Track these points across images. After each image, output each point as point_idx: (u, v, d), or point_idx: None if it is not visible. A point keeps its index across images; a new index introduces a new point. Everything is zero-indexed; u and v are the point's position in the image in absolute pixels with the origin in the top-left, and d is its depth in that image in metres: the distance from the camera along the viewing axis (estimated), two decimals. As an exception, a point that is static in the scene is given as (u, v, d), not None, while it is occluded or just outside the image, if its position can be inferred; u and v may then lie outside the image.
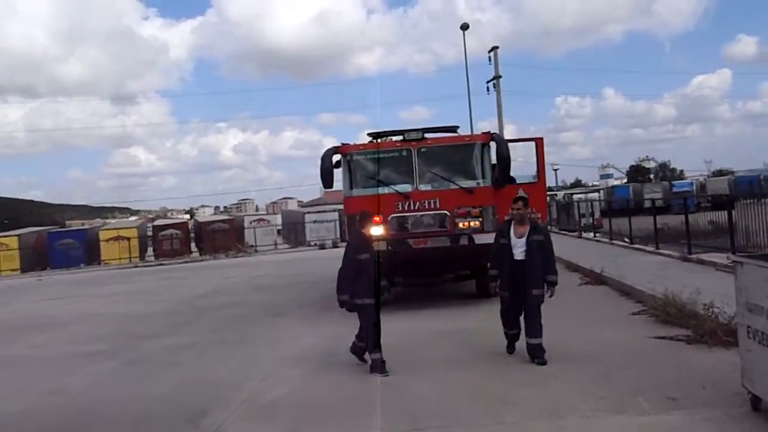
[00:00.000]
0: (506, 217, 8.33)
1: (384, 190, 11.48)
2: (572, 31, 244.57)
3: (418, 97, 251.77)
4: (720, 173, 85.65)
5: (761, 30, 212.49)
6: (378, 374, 7.40)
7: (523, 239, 7.54)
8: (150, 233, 39.73)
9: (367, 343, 7.78)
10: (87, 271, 30.89)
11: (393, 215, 11.34)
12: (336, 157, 11.77)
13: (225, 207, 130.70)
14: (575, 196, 47.43)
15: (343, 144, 11.91)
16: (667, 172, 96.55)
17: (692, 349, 7.48)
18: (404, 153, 11.56)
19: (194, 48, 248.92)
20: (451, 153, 11.61)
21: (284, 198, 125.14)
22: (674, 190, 59.07)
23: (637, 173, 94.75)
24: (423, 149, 11.52)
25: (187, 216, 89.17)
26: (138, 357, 9.74)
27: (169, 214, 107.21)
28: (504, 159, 11.32)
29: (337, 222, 39.52)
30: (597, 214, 33.67)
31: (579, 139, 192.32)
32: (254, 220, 41.85)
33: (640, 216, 22.42)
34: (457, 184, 11.32)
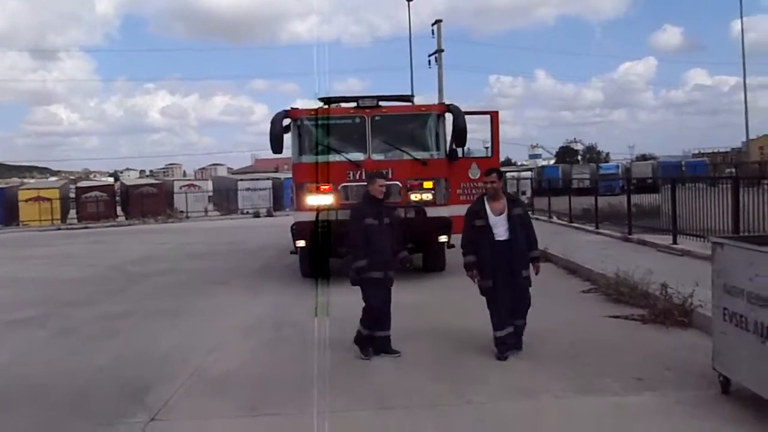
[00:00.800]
0: (478, 196, 7.03)
1: (335, 158, 11.08)
2: (507, 11, 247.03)
3: (352, 67, 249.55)
4: (643, 158, 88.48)
5: (686, 20, 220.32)
6: (391, 354, 6.85)
7: (503, 216, 6.57)
8: (73, 195, 37.93)
9: (371, 323, 6.90)
10: (4, 233, 29.23)
11: (343, 184, 10.96)
12: (286, 122, 11.25)
13: (151, 171, 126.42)
14: (508, 174, 47.96)
15: (293, 108, 11.39)
16: (594, 155, 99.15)
17: (649, 329, 7.48)
18: (357, 120, 11.16)
19: (122, 3, 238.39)
20: (406, 123, 11.30)
21: (214, 164, 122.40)
22: (601, 172, 60.63)
23: (566, 154, 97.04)
24: (377, 117, 11.14)
25: (111, 179, 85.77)
26: (69, 326, 9.05)
27: (92, 176, 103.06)
28: (461, 131, 11.08)
29: (271, 190, 38.82)
30: (528, 193, 34.22)
31: (509, 119, 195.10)
32: (184, 185, 40.60)
33: (569, 196, 22.97)
34: (410, 155, 11.03)
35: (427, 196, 11.01)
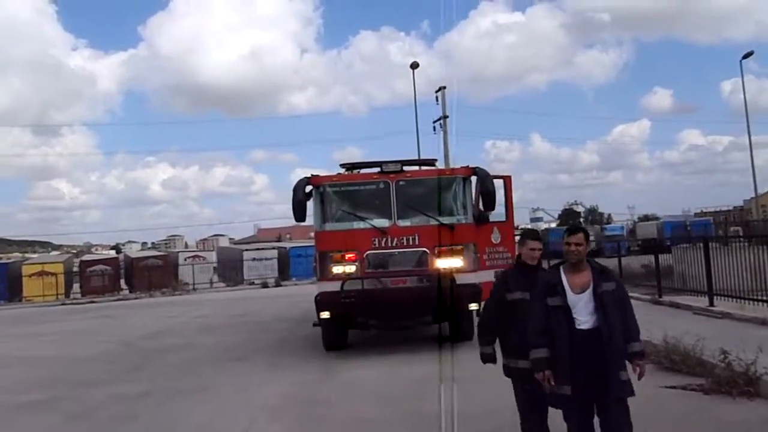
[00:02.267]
0: (554, 263, 4.93)
1: (359, 225, 10.72)
2: (500, 79, 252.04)
3: (351, 136, 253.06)
4: (646, 218, 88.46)
5: (675, 83, 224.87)
6: None
7: (588, 293, 4.57)
8: (76, 269, 37.43)
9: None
10: (9, 308, 28.58)
11: (369, 251, 10.56)
12: (308, 189, 10.93)
13: (153, 243, 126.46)
14: (517, 239, 47.71)
15: (314, 175, 11.09)
16: (596, 216, 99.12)
17: (713, 400, 6.95)
18: (381, 185, 10.84)
19: (124, 80, 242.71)
20: (432, 187, 10.96)
21: (215, 235, 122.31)
22: (606, 233, 60.44)
23: (568, 217, 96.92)
24: (401, 182, 10.84)
25: (113, 252, 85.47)
26: (84, 409, 8.44)
27: (94, 249, 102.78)
28: (489, 194, 10.74)
29: (277, 260, 38.36)
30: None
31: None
32: (189, 257, 40.10)
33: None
34: (437, 220, 10.66)
35: (457, 263, 10.58)
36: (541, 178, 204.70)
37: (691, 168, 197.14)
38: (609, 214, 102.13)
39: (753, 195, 48.46)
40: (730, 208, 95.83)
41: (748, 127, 43.48)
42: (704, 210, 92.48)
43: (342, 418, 7.30)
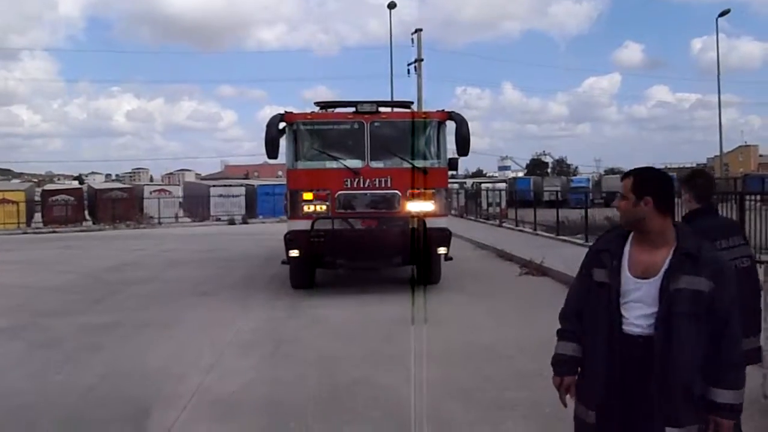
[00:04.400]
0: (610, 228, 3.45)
1: (332, 165, 10.63)
2: (473, 24, 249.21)
3: (320, 75, 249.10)
4: (612, 171, 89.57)
5: (646, 38, 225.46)
6: None
7: (654, 282, 2.80)
8: (38, 198, 36.68)
9: None
10: (-34, 236, 27.99)
11: (341, 192, 10.50)
12: (281, 126, 10.76)
13: (117, 175, 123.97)
14: (483, 186, 47.98)
15: (288, 111, 10.90)
16: (564, 167, 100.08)
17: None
18: (356, 126, 10.72)
19: (87, 5, 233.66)
20: (406, 129, 10.87)
21: (181, 170, 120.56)
22: (572, 185, 61.13)
23: (536, 167, 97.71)
24: (376, 123, 10.73)
25: (76, 182, 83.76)
26: (47, 338, 8.38)
27: (56, 179, 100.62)
28: (464, 139, 10.70)
29: (244, 197, 38.09)
30: (503, 204, 34.11)
31: (478, 130, 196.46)
32: (155, 190, 39.54)
33: (541, 209, 23.03)
34: (410, 163, 10.61)
35: (428, 206, 10.60)
36: (511, 127, 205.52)
37: (658, 124, 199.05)
38: (576, 166, 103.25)
39: (717, 153, 49.34)
40: (694, 165, 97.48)
41: (719, 85, 43.93)
42: (669, 166, 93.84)
43: (309, 355, 7.37)
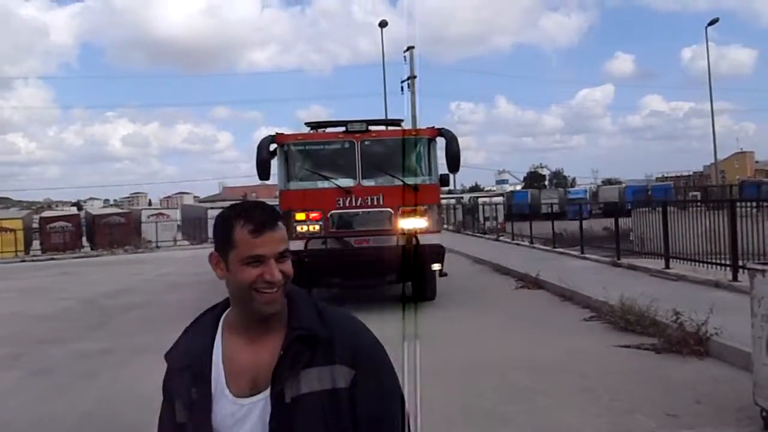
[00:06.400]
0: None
1: (324, 184, 10.69)
2: (464, 40, 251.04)
3: (314, 95, 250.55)
4: (609, 182, 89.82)
5: (636, 49, 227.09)
6: None
7: (264, 397, 1.62)
8: (36, 225, 36.71)
9: None
10: (-36, 265, 27.99)
11: (333, 211, 10.56)
12: (272, 147, 10.84)
13: (116, 200, 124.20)
14: (480, 200, 48.10)
15: (279, 133, 10.98)
16: (561, 180, 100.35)
17: (665, 359, 7.15)
18: (346, 145, 10.80)
19: (79, 33, 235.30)
20: (397, 147, 10.94)
21: (179, 193, 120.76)
22: (569, 197, 61.32)
23: (533, 180, 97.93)
24: (367, 142, 10.82)
25: (75, 209, 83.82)
26: (46, 366, 8.39)
27: (54, 206, 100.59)
28: (454, 155, 10.77)
29: (242, 219, 38.11)
30: (501, 218, 34.18)
31: (473, 144, 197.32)
32: (153, 215, 39.65)
33: (539, 221, 23.13)
34: (402, 180, 10.67)
35: (421, 223, 10.65)
36: (507, 140, 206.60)
37: (653, 133, 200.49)
38: (574, 178, 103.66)
39: (713, 161, 49.45)
40: (691, 173, 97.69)
41: (711, 93, 44.29)
42: (665, 175, 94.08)
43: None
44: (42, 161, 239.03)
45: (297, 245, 10.46)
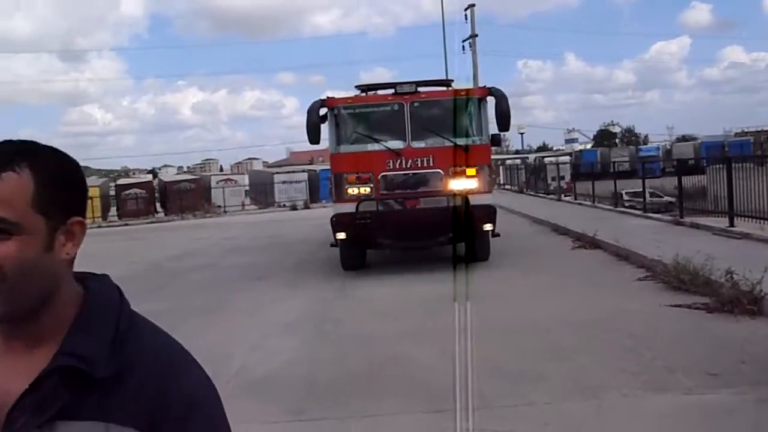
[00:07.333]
0: None
1: (374, 147, 10.76)
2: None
3: (377, 57, 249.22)
4: (684, 139, 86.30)
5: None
6: None
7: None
8: (112, 192, 38.31)
9: None
10: (46, 232, 29.56)
11: (383, 173, 10.63)
12: (322, 111, 10.96)
13: (188, 167, 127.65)
14: (546, 160, 47.18)
15: (329, 97, 11.08)
16: (632, 137, 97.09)
17: (716, 319, 6.99)
18: (396, 107, 10.80)
19: (147, 5, 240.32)
20: (447, 108, 10.87)
21: (249, 158, 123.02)
22: (641, 154, 59.36)
23: (604, 138, 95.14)
24: (416, 103, 10.78)
25: (150, 176, 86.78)
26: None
27: (131, 174, 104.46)
28: (504, 115, 10.62)
29: (307, 183, 38.69)
30: (567, 178, 33.50)
31: (541, 103, 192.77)
32: (221, 180, 40.66)
33: (607, 180, 22.49)
34: (452, 141, 10.63)
35: (471, 184, 10.61)
36: (576, 98, 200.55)
37: (733, 86, 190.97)
38: (646, 135, 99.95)
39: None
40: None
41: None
42: (745, 130, 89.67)
43: (350, 334, 7.55)
44: (118, 131, 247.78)
45: (349, 208, 10.63)
